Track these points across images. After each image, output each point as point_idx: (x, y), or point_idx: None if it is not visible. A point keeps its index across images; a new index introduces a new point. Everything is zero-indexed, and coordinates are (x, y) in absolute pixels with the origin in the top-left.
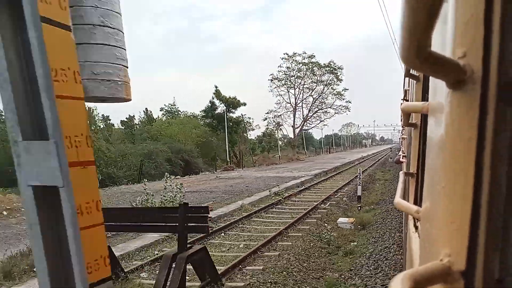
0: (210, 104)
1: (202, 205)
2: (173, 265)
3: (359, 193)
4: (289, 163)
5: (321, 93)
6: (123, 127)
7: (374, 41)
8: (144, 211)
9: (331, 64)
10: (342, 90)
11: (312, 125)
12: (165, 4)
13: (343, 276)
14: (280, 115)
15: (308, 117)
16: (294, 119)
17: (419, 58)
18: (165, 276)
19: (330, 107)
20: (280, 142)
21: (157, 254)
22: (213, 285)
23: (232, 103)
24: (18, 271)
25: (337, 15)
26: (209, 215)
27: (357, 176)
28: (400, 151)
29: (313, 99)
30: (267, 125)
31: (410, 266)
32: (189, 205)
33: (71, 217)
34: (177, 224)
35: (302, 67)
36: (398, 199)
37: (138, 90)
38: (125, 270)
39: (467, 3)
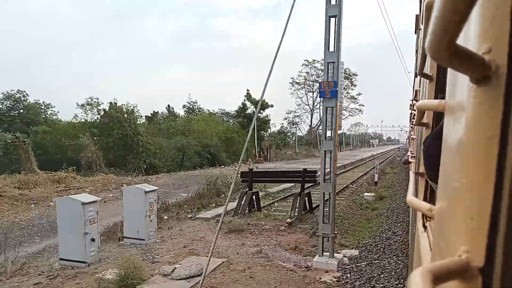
0: (241, 106)
1: (313, 169)
2: (298, 198)
3: (376, 179)
4: (307, 159)
5: None
6: (146, 122)
7: (384, 42)
8: (281, 173)
9: (346, 71)
10: (356, 94)
11: (351, 131)
12: (173, 2)
13: (373, 217)
14: (299, 115)
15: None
16: (311, 119)
17: (448, 51)
18: (295, 203)
19: (344, 110)
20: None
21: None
22: (311, 211)
23: (261, 105)
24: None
25: (349, 15)
26: (317, 175)
27: (371, 169)
28: (408, 152)
29: None
30: (282, 124)
31: (418, 265)
32: (305, 170)
33: None
34: (301, 178)
35: (320, 72)
36: (410, 197)
37: (147, 87)
38: (269, 203)
39: (491, 1)
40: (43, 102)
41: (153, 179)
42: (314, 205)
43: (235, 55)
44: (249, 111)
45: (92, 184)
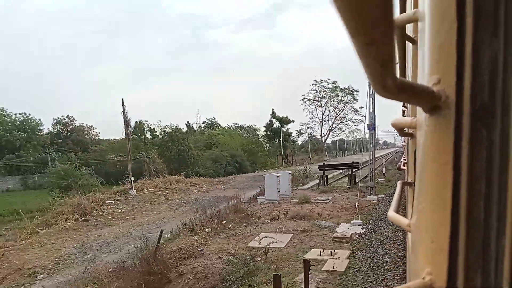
0: (269, 122)
1: (356, 162)
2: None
3: (383, 171)
4: (320, 162)
5: (342, 110)
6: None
7: None
8: (338, 164)
9: (349, 88)
10: (359, 107)
11: (335, 135)
12: (168, 13)
13: (387, 186)
14: (311, 127)
15: (332, 128)
16: (321, 130)
17: (390, 90)
18: (349, 179)
19: (349, 121)
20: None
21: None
22: (355, 183)
23: (285, 120)
24: None
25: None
26: (359, 164)
27: (378, 166)
28: (402, 158)
29: (336, 114)
30: (297, 133)
31: (409, 278)
32: (353, 162)
33: None
34: (351, 167)
35: (327, 90)
36: (391, 212)
37: (148, 99)
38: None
39: (439, 32)
40: (86, 125)
41: (232, 179)
42: (357, 180)
43: (230, 63)
44: (274, 126)
45: (195, 182)
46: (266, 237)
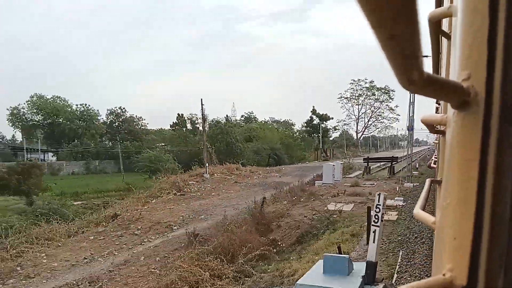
0: (309, 118)
1: (395, 156)
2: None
3: (417, 165)
4: (356, 157)
5: (378, 108)
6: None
7: None
8: (380, 158)
9: (386, 87)
10: (395, 106)
11: (370, 132)
12: (199, 5)
13: (421, 178)
14: (347, 123)
15: (368, 125)
16: (357, 127)
17: (416, 83)
18: (389, 169)
19: (384, 119)
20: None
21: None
22: (394, 174)
23: (324, 117)
24: None
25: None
26: (398, 158)
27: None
28: (434, 156)
29: (372, 112)
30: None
31: (433, 276)
32: (393, 156)
33: None
34: (391, 160)
35: (364, 89)
36: (417, 210)
37: (175, 93)
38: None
39: (471, 27)
40: (136, 116)
41: (282, 168)
42: (395, 172)
43: (259, 56)
44: (314, 122)
45: (253, 169)
46: (336, 204)
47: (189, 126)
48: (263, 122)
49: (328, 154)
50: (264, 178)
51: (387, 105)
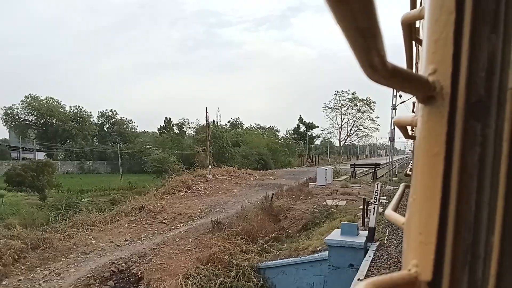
0: (296, 126)
1: (378, 163)
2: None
3: (396, 172)
4: (340, 164)
5: (360, 118)
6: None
7: (394, 49)
8: (365, 164)
9: (367, 99)
10: (375, 117)
11: (352, 140)
12: (183, 10)
13: (399, 183)
14: (331, 132)
15: (350, 134)
16: (340, 135)
17: (380, 73)
18: (373, 174)
19: (365, 128)
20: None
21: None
22: (377, 178)
23: (310, 126)
24: None
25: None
26: (380, 165)
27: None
28: (410, 164)
29: (354, 121)
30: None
31: None
32: (376, 163)
33: None
34: (374, 166)
35: (347, 100)
36: (389, 211)
37: (159, 95)
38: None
39: (438, 22)
40: (126, 118)
41: (274, 172)
42: (377, 176)
43: (242, 62)
44: (301, 130)
45: (249, 172)
46: (332, 201)
47: (175, 129)
48: (249, 128)
49: (313, 160)
50: (260, 180)
51: (368, 115)
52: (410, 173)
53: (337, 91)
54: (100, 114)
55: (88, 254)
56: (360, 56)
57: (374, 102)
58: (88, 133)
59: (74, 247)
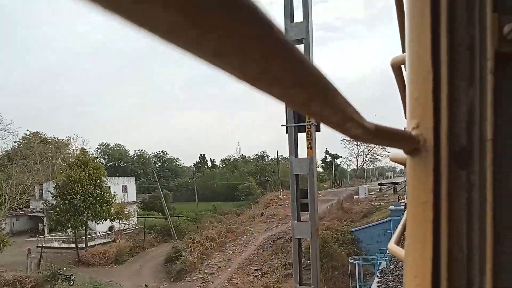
0: (324, 157)
1: (396, 182)
2: None
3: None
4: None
5: (374, 147)
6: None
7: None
8: (388, 183)
9: None
10: None
11: (369, 166)
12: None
13: None
14: (349, 160)
15: (365, 161)
16: (357, 161)
17: (360, 137)
18: (394, 189)
19: (378, 156)
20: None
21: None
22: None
23: (335, 156)
24: None
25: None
26: (398, 183)
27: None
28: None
29: (368, 150)
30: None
31: None
32: (396, 182)
33: None
34: (394, 184)
35: None
36: (391, 244)
37: (166, 131)
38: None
39: (417, 80)
40: (173, 157)
41: (319, 192)
42: (397, 191)
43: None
44: (327, 160)
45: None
46: (375, 203)
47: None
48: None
49: (339, 183)
50: None
51: None
52: None
53: None
54: (153, 154)
55: (253, 234)
56: (340, 130)
57: None
58: (150, 170)
59: (245, 231)
